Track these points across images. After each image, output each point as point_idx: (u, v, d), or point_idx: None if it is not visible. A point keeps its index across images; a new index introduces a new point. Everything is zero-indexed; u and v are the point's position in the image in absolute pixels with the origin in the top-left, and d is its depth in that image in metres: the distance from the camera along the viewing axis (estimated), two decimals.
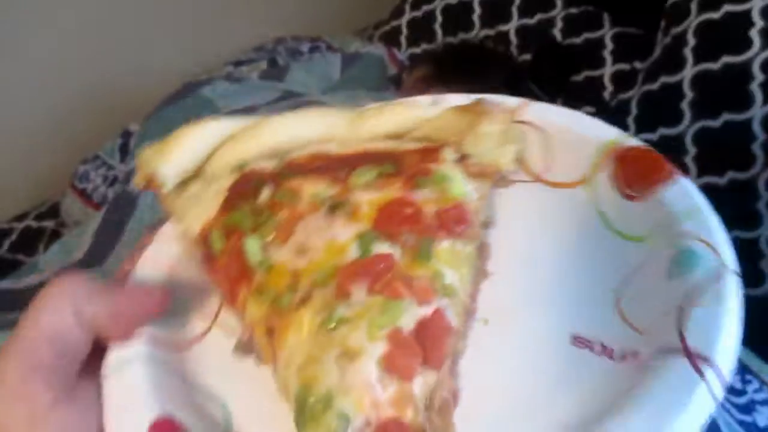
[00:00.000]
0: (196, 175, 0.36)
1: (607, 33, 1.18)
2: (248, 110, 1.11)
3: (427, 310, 0.29)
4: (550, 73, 1.16)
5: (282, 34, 1.49)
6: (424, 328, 0.28)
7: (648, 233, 0.34)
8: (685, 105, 0.94)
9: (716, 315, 0.29)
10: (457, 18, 1.33)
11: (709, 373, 0.27)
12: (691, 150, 0.93)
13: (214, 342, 0.34)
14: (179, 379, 0.32)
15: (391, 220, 0.31)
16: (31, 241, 1.20)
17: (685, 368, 0.27)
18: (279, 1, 1.61)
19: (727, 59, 0.92)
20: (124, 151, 1.21)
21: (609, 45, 1.17)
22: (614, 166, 0.35)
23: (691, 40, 0.96)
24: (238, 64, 1.33)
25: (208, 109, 1.14)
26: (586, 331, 0.31)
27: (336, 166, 0.34)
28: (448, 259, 0.31)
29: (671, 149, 0.94)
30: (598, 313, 0.31)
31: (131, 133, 1.23)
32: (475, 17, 1.31)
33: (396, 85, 1.33)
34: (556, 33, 1.21)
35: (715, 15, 0.95)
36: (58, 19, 1.38)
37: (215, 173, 0.35)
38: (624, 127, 1.01)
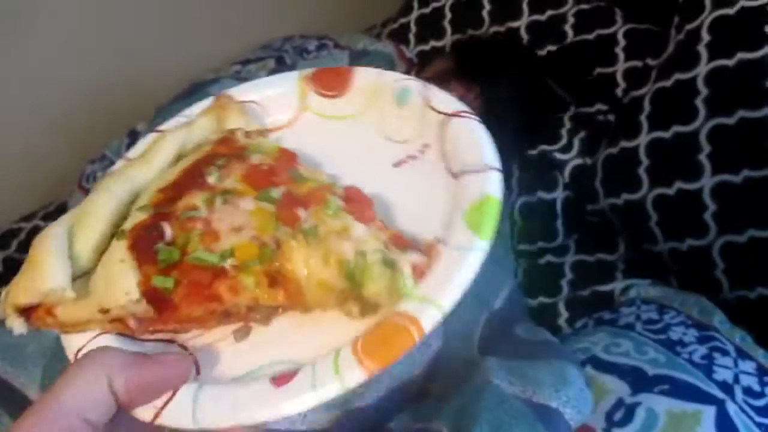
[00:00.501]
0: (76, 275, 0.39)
1: (619, 29, 1.16)
2: None
3: (340, 192, 0.40)
4: (569, 71, 1.15)
5: (289, 32, 1.48)
6: (351, 199, 0.40)
7: (368, 103, 0.47)
8: (699, 102, 0.93)
9: (441, 95, 0.46)
10: (467, 14, 1.31)
11: (472, 117, 0.44)
12: (706, 148, 0.91)
13: (211, 350, 0.38)
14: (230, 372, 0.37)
15: (261, 180, 0.40)
16: None
17: (462, 121, 0.43)
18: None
19: (742, 55, 0.90)
20: None
21: (621, 41, 1.15)
22: (313, 86, 0.49)
23: (706, 37, 0.95)
24: (245, 62, 1.32)
25: None
26: (396, 158, 0.45)
27: (186, 183, 0.41)
28: (312, 174, 0.42)
29: (685, 147, 0.93)
30: (389, 149, 0.45)
31: (138, 132, 1.23)
32: (485, 13, 1.29)
33: None
34: (568, 29, 1.20)
35: (730, 11, 0.93)
36: (63, 17, 1.37)
37: (90, 259, 0.39)
38: (636, 124, 1.00)
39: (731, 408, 0.72)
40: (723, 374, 0.76)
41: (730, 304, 0.90)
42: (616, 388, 0.77)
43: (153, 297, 0.36)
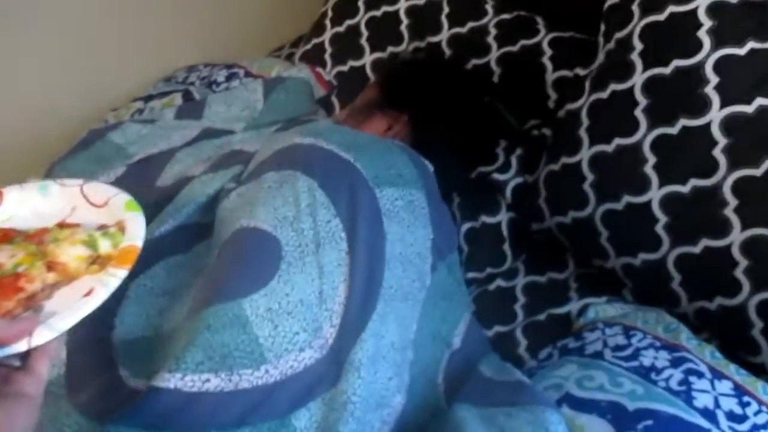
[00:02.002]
0: None
1: (543, 38, 1.13)
2: (165, 154, 1.00)
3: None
4: (520, 94, 1.10)
5: (189, 59, 1.36)
6: (63, 226, 0.63)
7: (18, 206, 0.65)
8: (639, 112, 0.91)
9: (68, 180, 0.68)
10: (384, 31, 1.25)
11: (90, 181, 0.67)
12: (651, 159, 0.89)
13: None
14: None
15: (2, 238, 0.60)
16: None
17: (89, 184, 0.66)
18: (185, 24, 1.46)
19: (678, 63, 0.88)
20: None
21: (547, 51, 1.12)
22: None
23: (638, 45, 0.92)
24: (148, 99, 1.19)
25: (120, 155, 1.02)
26: (60, 218, 0.64)
27: None
28: (28, 229, 0.63)
29: (630, 159, 0.90)
30: (52, 217, 0.64)
31: None
32: (403, 28, 1.23)
33: (325, 108, 1.24)
34: (491, 41, 1.15)
35: (659, 17, 0.91)
36: None
37: None
38: (576, 139, 0.97)
39: None
40: (703, 400, 0.73)
41: (689, 317, 0.89)
42: (598, 428, 0.72)
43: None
